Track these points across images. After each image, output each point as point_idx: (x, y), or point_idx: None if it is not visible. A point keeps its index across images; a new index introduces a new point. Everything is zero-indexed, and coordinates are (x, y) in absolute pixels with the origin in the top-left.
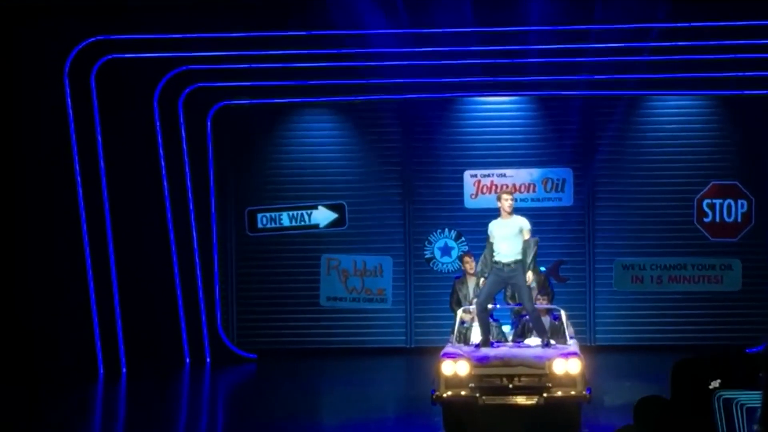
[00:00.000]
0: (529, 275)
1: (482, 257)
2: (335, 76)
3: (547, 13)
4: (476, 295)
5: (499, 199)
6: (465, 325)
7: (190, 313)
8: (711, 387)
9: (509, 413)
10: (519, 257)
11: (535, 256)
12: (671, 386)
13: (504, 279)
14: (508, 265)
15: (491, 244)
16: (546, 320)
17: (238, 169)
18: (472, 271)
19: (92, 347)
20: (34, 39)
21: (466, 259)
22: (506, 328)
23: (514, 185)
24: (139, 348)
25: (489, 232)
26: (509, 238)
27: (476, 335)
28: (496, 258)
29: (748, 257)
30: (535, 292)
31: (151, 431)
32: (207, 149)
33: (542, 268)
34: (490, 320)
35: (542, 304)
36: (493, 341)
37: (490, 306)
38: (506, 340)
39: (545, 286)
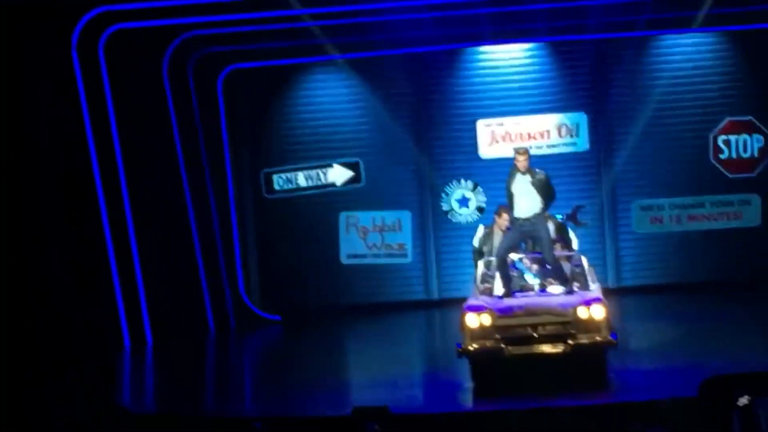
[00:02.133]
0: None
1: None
2: (343, 33)
3: None
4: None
5: (515, 158)
6: (489, 273)
7: (212, 278)
8: (739, 404)
9: (536, 362)
10: (538, 211)
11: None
12: (699, 401)
13: (524, 233)
14: (528, 219)
15: (509, 198)
16: (566, 267)
17: (251, 132)
18: (503, 227)
19: (116, 318)
20: (39, 18)
21: (503, 213)
22: (528, 277)
23: (528, 133)
24: (163, 316)
25: (507, 188)
26: (527, 194)
27: (498, 288)
28: (516, 214)
29: (767, 192)
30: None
31: (183, 398)
32: (219, 114)
33: (559, 216)
34: (513, 269)
35: (560, 251)
36: (516, 290)
37: (511, 257)
38: (529, 289)
39: (564, 234)
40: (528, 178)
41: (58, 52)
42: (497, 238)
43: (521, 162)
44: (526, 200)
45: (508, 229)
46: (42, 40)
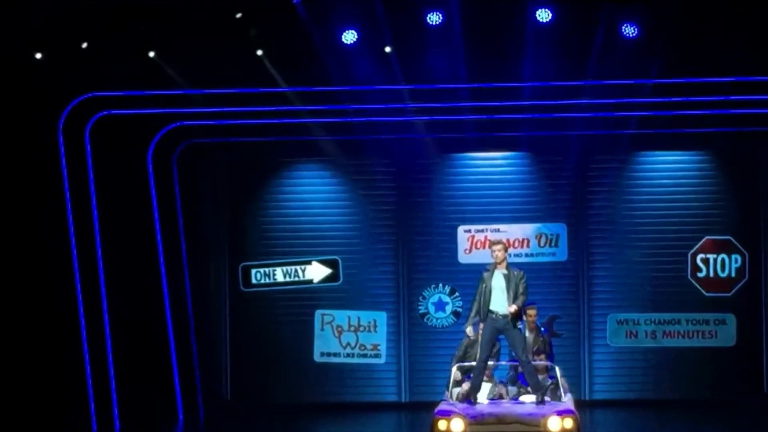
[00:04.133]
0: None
1: (474, 304)
2: (329, 132)
3: (540, 69)
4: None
5: (491, 250)
6: (462, 380)
7: (184, 368)
8: None
9: None
10: (513, 307)
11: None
12: None
13: (498, 329)
14: (504, 315)
15: (486, 292)
16: (542, 378)
17: (231, 225)
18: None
19: (86, 404)
20: (29, 95)
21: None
22: (505, 389)
23: (507, 240)
24: (133, 404)
25: (480, 281)
26: (502, 289)
27: (483, 391)
28: (491, 307)
29: (743, 312)
30: (533, 351)
31: None
32: (200, 205)
33: (543, 329)
34: (495, 380)
35: (535, 360)
36: (491, 399)
37: (491, 363)
38: (503, 397)
39: (545, 345)
40: (504, 272)
41: (45, 133)
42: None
43: (497, 252)
44: (502, 295)
45: (468, 318)
46: (31, 122)
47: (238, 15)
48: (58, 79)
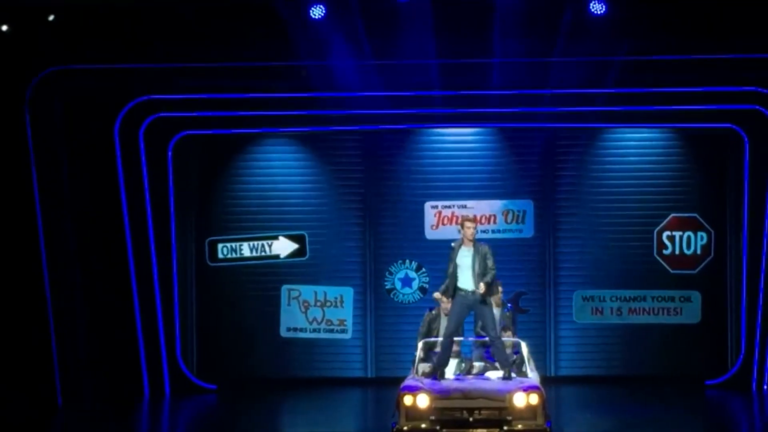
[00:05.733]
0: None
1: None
2: (296, 106)
3: (509, 46)
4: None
5: (462, 226)
6: (433, 352)
7: (150, 343)
8: None
9: None
10: (482, 284)
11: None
12: None
13: (468, 305)
14: (473, 292)
15: (455, 268)
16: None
17: (198, 200)
18: (447, 310)
19: (51, 379)
20: None
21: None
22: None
23: (475, 216)
24: (99, 379)
25: (450, 257)
26: (471, 266)
27: (449, 367)
28: (460, 285)
29: (708, 289)
30: (500, 326)
31: None
32: (168, 179)
33: (508, 306)
34: (462, 356)
35: (507, 337)
36: (457, 374)
37: (456, 339)
38: (470, 373)
39: (511, 321)
40: (472, 250)
41: (12, 106)
42: (444, 321)
43: (470, 230)
44: (470, 272)
45: (440, 291)
46: None
47: None
48: (24, 52)
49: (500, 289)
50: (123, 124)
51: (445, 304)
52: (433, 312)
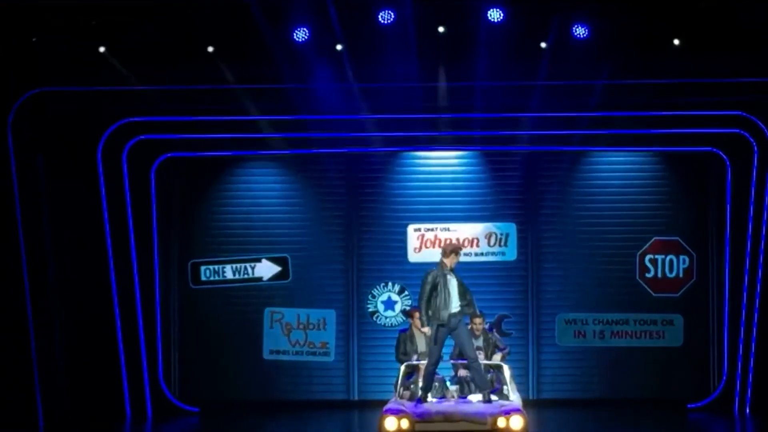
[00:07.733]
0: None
1: (424, 307)
2: (279, 129)
3: (492, 69)
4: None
5: (456, 253)
6: (410, 379)
7: (132, 366)
8: None
9: None
10: (462, 308)
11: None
12: None
13: (452, 328)
14: (454, 315)
15: (435, 295)
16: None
17: (181, 222)
18: (420, 327)
19: (33, 400)
20: None
21: (416, 314)
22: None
23: (457, 239)
24: (80, 401)
25: (429, 282)
26: (455, 291)
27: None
28: (450, 310)
29: (690, 313)
30: (482, 354)
31: None
32: (150, 202)
33: (488, 328)
34: (441, 378)
35: (484, 360)
36: (439, 397)
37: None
38: (450, 396)
39: (495, 345)
40: (454, 276)
41: None
42: (419, 339)
43: (459, 258)
44: (456, 295)
45: (422, 321)
46: None
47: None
48: (7, 74)
49: (481, 320)
50: (106, 146)
51: (416, 321)
52: (407, 333)
